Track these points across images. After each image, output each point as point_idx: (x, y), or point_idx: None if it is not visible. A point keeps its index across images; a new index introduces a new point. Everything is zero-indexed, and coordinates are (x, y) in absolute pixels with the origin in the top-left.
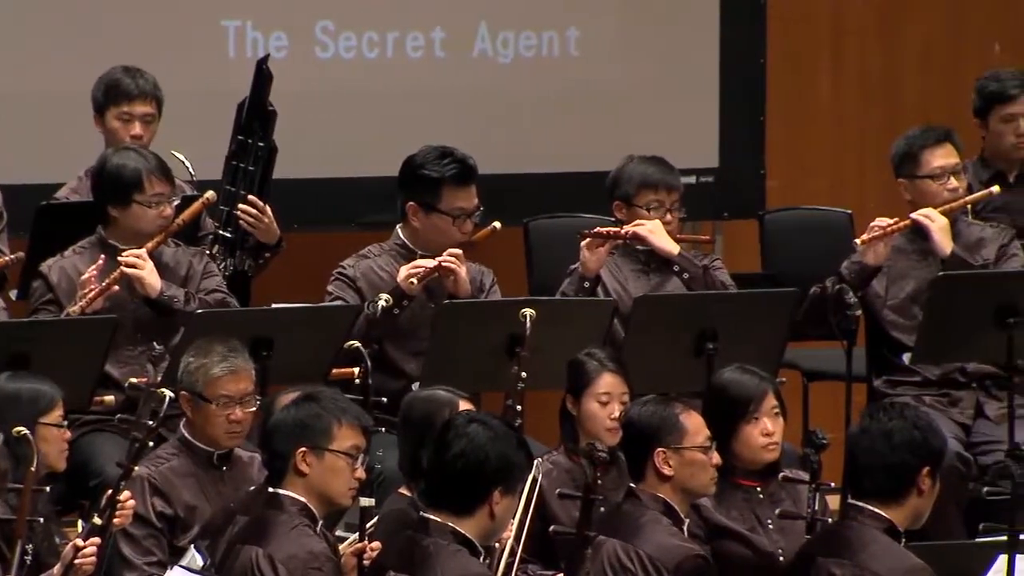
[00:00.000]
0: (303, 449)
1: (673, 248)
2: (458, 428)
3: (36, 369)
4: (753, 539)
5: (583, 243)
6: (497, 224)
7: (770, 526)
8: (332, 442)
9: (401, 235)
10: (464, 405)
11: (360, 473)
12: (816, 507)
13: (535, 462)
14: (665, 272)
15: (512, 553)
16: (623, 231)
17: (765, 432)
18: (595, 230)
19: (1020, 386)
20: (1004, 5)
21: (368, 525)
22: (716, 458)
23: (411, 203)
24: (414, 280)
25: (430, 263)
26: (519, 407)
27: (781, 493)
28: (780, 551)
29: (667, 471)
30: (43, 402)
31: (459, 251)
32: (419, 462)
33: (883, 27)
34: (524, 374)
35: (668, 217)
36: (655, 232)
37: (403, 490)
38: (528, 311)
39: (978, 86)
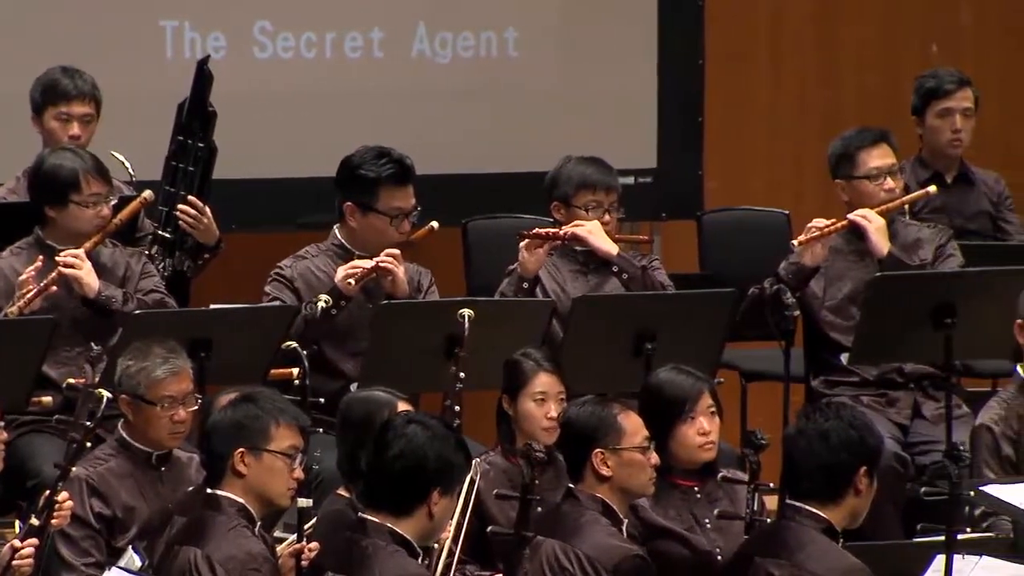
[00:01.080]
0: (241, 450)
1: (612, 249)
2: (397, 429)
3: None
4: (691, 539)
5: (522, 244)
6: (435, 224)
7: (708, 526)
8: (270, 442)
9: (339, 235)
10: (402, 406)
11: (298, 473)
12: (755, 507)
13: (474, 462)
14: (604, 273)
15: (450, 554)
16: (562, 232)
17: (701, 432)
18: (534, 231)
19: (957, 386)
20: (940, 6)
21: (306, 526)
22: (654, 458)
23: (348, 203)
24: (352, 281)
25: (368, 264)
26: (457, 407)
27: (719, 493)
28: (718, 550)
29: (605, 471)
30: None
31: (397, 251)
32: (357, 463)
33: (820, 28)
34: (462, 374)
35: (607, 218)
36: (594, 233)
37: (341, 491)
38: (466, 311)
39: (916, 85)
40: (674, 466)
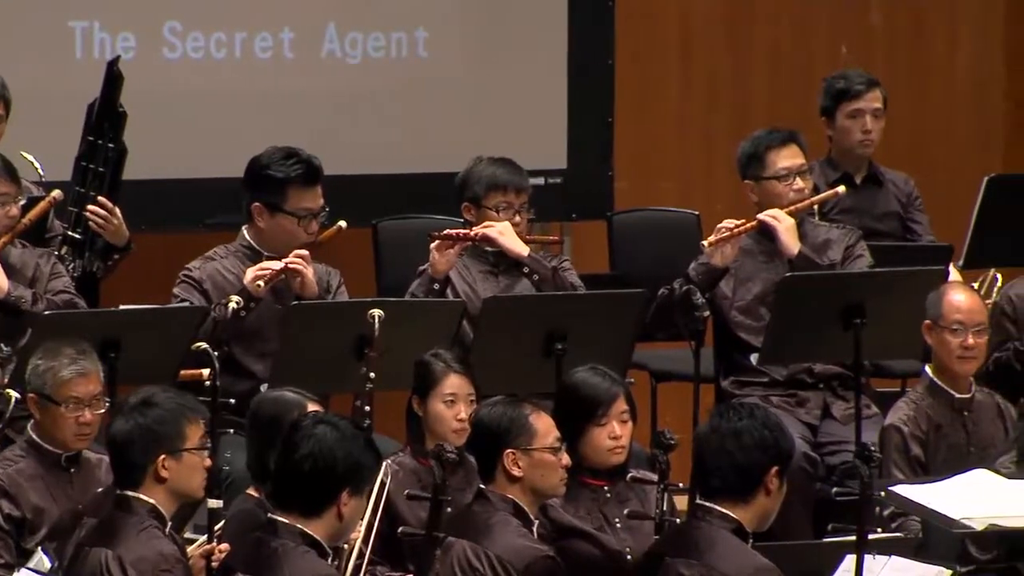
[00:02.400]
0: (163, 456)
1: (522, 250)
2: (305, 429)
3: None
4: (601, 538)
5: (432, 245)
6: (343, 224)
7: (618, 525)
8: (185, 441)
9: (247, 236)
10: (312, 406)
11: (208, 462)
12: (665, 507)
13: (385, 463)
14: (514, 273)
15: (360, 555)
16: (472, 233)
17: (613, 436)
18: (444, 232)
19: (866, 387)
20: (850, 7)
21: (216, 527)
22: (566, 459)
23: (256, 204)
24: (261, 282)
25: (276, 265)
26: (368, 408)
27: (628, 493)
28: (628, 550)
29: (516, 472)
30: None
31: (305, 252)
32: (267, 463)
33: (731, 28)
34: (372, 375)
35: (517, 218)
36: (504, 234)
37: (251, 491)
38: (376, 312)
39: (825, 85)
40: (584, 466)
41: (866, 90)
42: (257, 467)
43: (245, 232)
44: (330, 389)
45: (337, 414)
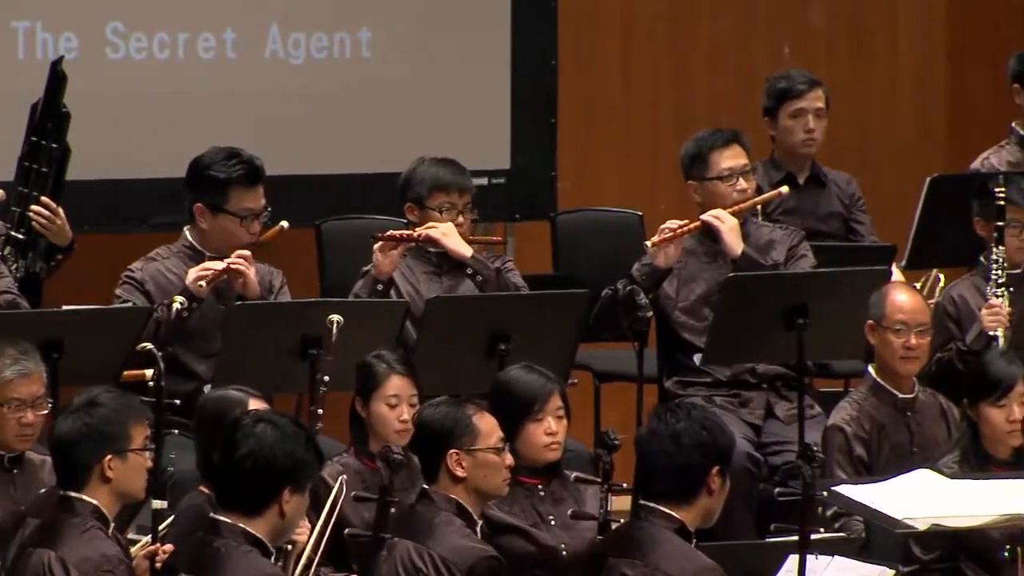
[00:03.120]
0: (109, 456)
1: (466, 251)
2: (246, 428)
3: None
4: (535, 534)
5: (376, 246)
6: (285, 224)
7: (552, 523)
8: (131, 442)
9: (189, 237)
10: (254, 403)
11: (150, 464)
12: (607, 508)
13: (342, 478)
14: (458, 274)
15: (309, 561)
16: (416, 233)
17: (549, 432)
18: (388, 233)
19: (809, 387)
20: (792, 8)
21: (160, 527)
22: (509, 459)
23: (198, 204)
24: (203, 282)
25: (219, 265)
26: (320, 410)
27: (563, 492)
28: (563, 546)
29: (460, 472)
30: None
31: (247, 252)
32: (213, 461)
33: (673, 29)
34: (327, 377)
35: (460, 219)
36: (448, 235)
37: (203, 488)
38: (335, 317)
39: (767, 86)
40: (519, 464)
41: (808, 89)
42: (205, 466)
43: (187, 233)
44: (273, 390)
45: (277, 412)
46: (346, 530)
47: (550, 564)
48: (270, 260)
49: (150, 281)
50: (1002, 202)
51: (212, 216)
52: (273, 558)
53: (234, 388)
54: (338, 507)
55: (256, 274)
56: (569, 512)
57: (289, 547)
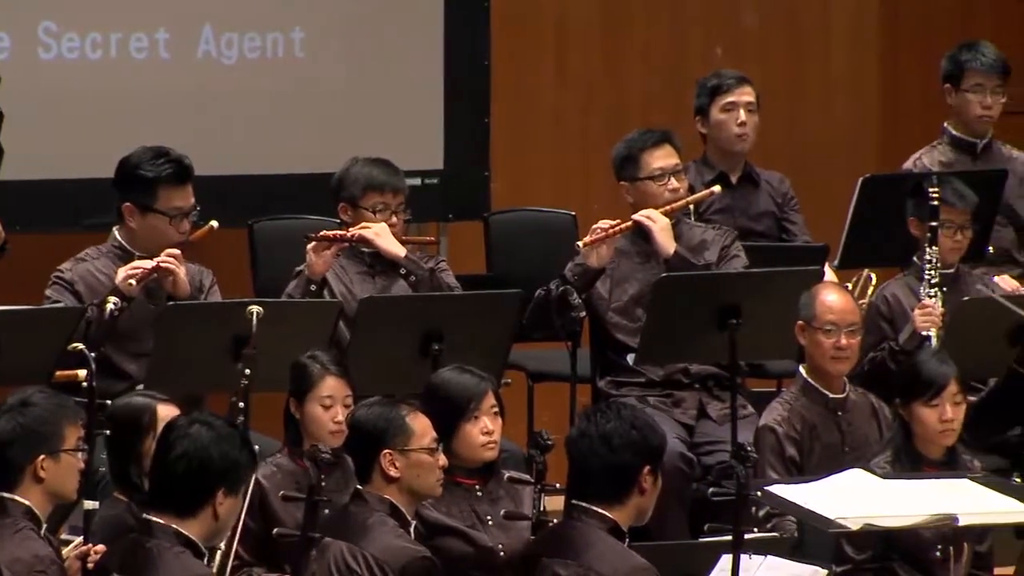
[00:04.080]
0: (42, 456)
1: (399, 251)
2: (180, 429)
3: None
4: (472, 535)
5: (309, 246)
6: (214, 223)
7: (490, 523)
8: (64, 442)
9: (119, 237)
10: (164, 408)
11: (82, 463)
12: (541, 507)
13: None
14: (391, 275)
15: (232, 555)
16: (349, 234)
17: (485, 431)
18: (321, 233)
19: (742, 387)
20: (724, 9)
21: (93, 528)
22: (443, 459)
23: (127, 204)
24: (133, 281)
25: (148, 264)
26: (242, 404)
27: (500, 492)
28: (500, 547)
29: (393, 472)
30: None
31: (177, 251)
32: (125, 468)
33: (605, 29)
34: (248, 371)
35: (394, 219)
36: (381, 235)
37: (119, 494)
38: (255, 308)
39: (698, 85)
40: (456, 465)
41: (737, 85)
42: (117, 472)
43: (116, 233)
44: (206, 389)
45: (212, 414)
46: (275, 530)
47: (488, 565)
48: (201, 260)
49: (80, 281)
50: (936, 202)
51: (141, 215)
52: (206, 559)
53: (141, 393)
54: (258, 492)
55: (186, 273)
56: (502, 512)
57: (222, 548)
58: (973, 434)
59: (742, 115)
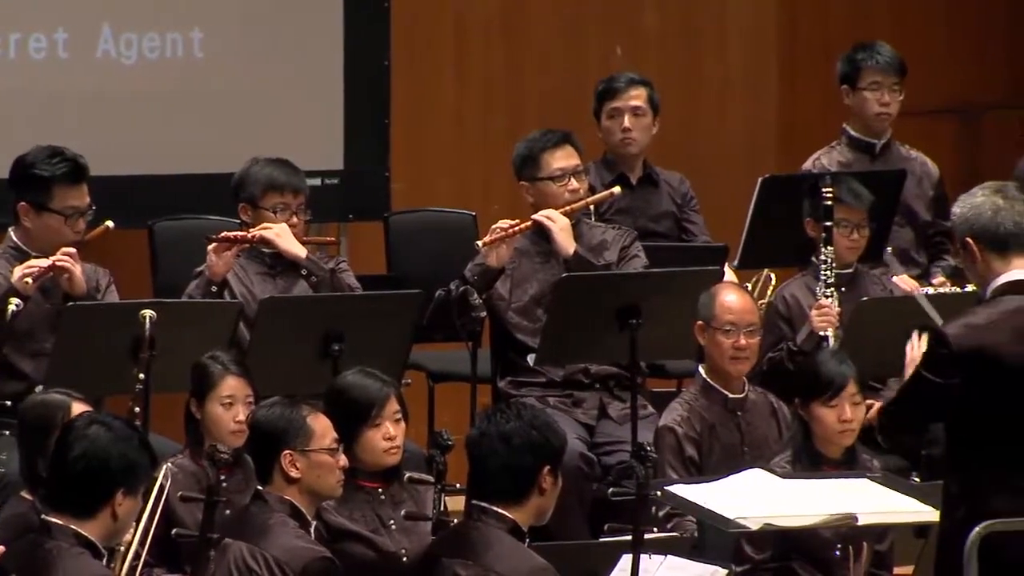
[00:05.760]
0: None
1: (300, 251)
2: (78, 430)
3: None
4: (375, 540)
5: (210, 247)
6: (110, 223)
7: (393, 527)
8: None
9: (14, 237)
10: (78, 407)
11: None
12: (442, 508)
13: (165, 466)
14: (292, 275)
15: (136, 556)
16: (250, 235)
17: (387, 436)
18: (222, 234)
19: (642, 387)
20: (624, 8)
21: None
22: (343, 460)
23: (23, 203)
24: (29, 280)
25: (44, 262)
26: (137, 409)
27: (403, 494)
28: (403, 551)
29: (294, 473)
30: None
31: (73, 250)
32: (36, 467)
33: (505, 29)
34: (142, 375)
35: (294, 220)
36: (282, 235)
37: (25, 493)
38: (148, 312)
39: (595, 87)
40: (359, 468)
41: (625, 88)
42: (28, 471)
43: (12, 233)
44: (105, 391)
45: (111, 414)
46: (174, 531)
47: (390, 570)
48: (100, 260)
49: None
50: (830, 202)
51: (36, 215)
52: (105, 560)
53: (56, 391)
54: (163, 499)
55: (82, 272)
56: (403, 513)
57: (121, 548)
58: (884, 437)
59: (626, 121)
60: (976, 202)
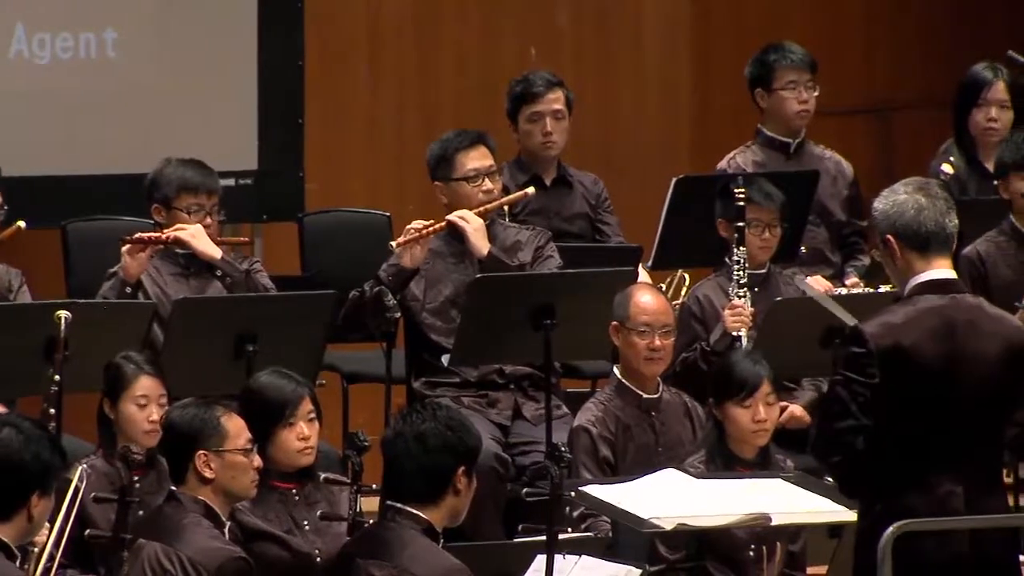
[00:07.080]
0: None
1: (215, 252)
2: None
3: None
4: (289, 540)
5: (124, 248)
6: (22, 224)
7: (307, 527)
8: None
9: None
10: None
11: None
12: (357, 509)
13: (80, 468)
14: (206, 276)
15: (51, 558)
16: (164, 235)
17: (301, 436)
18: (136, 235)
19: (557, 387)
20: (538, 8)
21: None
22: (257, 461)
23: None
24: None
25: None
26: (53, 411)
27: (317, 495)
28: (317, 552)
29: (208, 474)
30: None
31: None
32: None
33: (419, 29)
34: (57, 376)
35: (208, 220)
36: (196, 236)
37: None
38: (63, 313)
39: (508, 89)
40: (272, 469)
41: (545, 92)
42: None
43: None
44: (18, 392)
45: (21, 415)
46: (87, 531)
47: (304, 570)
48: (11, 261)
49: None
50: (742, 202)
51: None
52: (18, 561)
53: None
54: (78, 501)
55: None
56: (319, 513)
57: (35, 550)
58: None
59: (548, 125)
60: (899, 199)
